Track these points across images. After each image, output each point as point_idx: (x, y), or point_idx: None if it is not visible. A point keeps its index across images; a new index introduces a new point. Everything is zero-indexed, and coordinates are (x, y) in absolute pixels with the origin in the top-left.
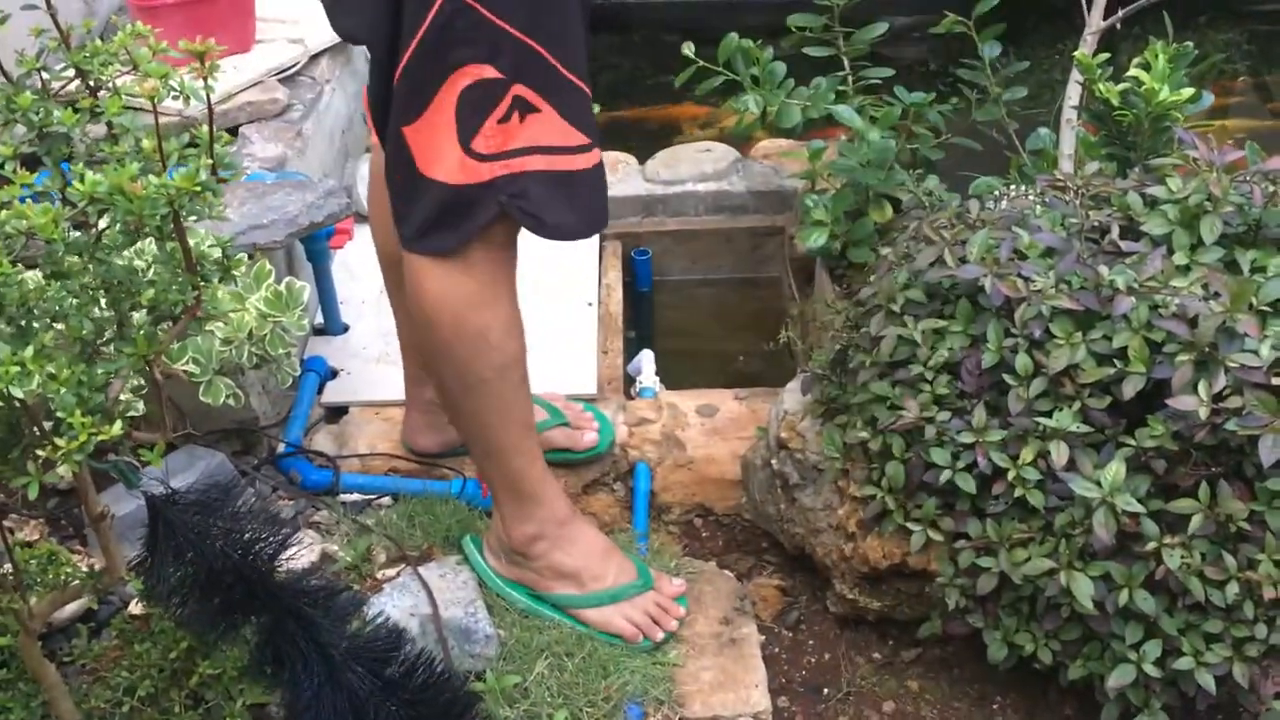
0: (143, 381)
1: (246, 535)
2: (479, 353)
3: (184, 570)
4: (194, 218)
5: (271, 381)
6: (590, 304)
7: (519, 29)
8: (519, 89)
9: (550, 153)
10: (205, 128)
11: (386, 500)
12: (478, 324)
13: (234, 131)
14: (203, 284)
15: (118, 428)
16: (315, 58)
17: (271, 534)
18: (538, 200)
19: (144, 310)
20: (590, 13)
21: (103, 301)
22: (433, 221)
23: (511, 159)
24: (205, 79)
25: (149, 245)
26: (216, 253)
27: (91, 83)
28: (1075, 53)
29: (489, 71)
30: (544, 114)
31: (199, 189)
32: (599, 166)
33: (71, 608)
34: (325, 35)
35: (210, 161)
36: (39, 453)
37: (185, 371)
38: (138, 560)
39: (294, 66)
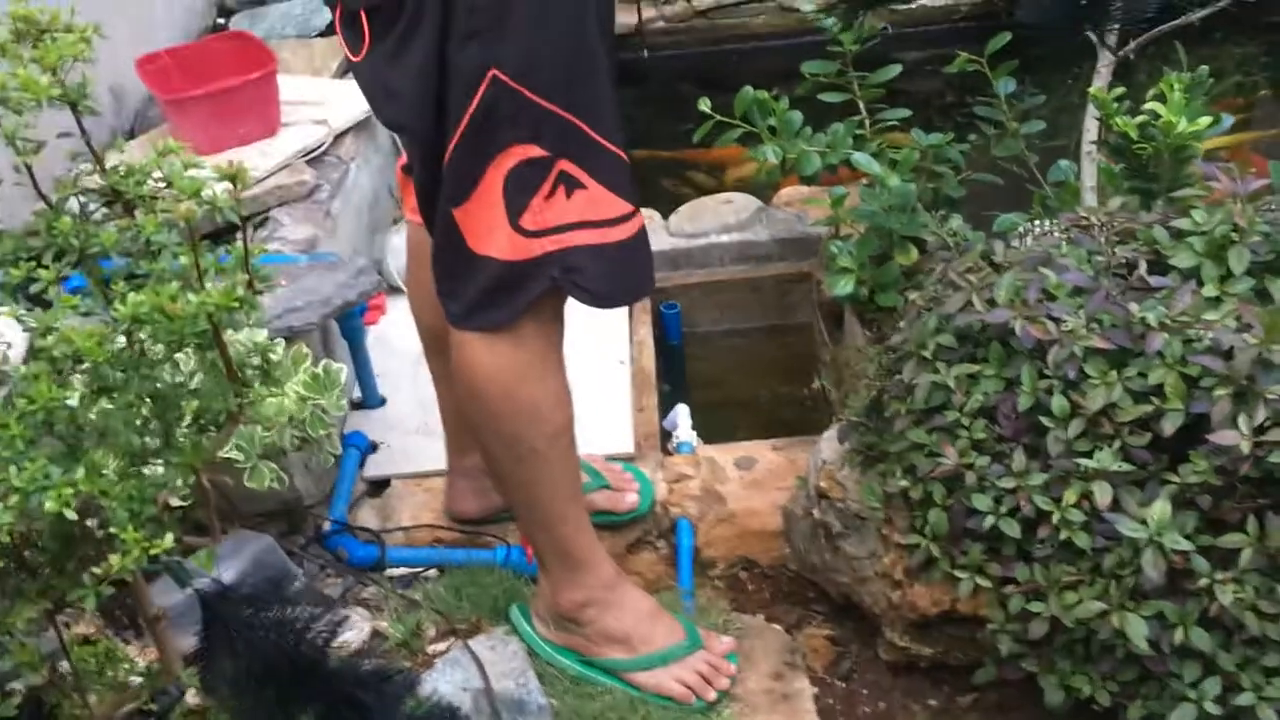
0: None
1: (298, 625)
2: (531, 424)
3: (238, 663)
4: (231, 330)
5: (314, 461)
6: (622, 362)
7: (560, 106)
8: (563, 164)
9: (596, 226)
10: (239, 240)
11: (433, 572)
12: (529, 396)
13: (264, 214)
14: (245, 390)
15: (169, 541)
16: (340, 137)
17: (322, 621)
18: (589, 274)
19: (189, 421)
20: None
21: (146, 412)
22: (484, 299)
23: (560, 234)
24: (238, 200)
25: (190, 354)
26: (256, 359)
27: (127, 201)
28: (1090, 89)
29: (534, 150)
30: (589, 189)
31: (237, 304)
32: (642, 231)
33: (131, 703)
34: (348, 114)
35: (247, 277)
36: (95, 570)
37: (229, 459)
38: (192, 655)
39: (320, 147)
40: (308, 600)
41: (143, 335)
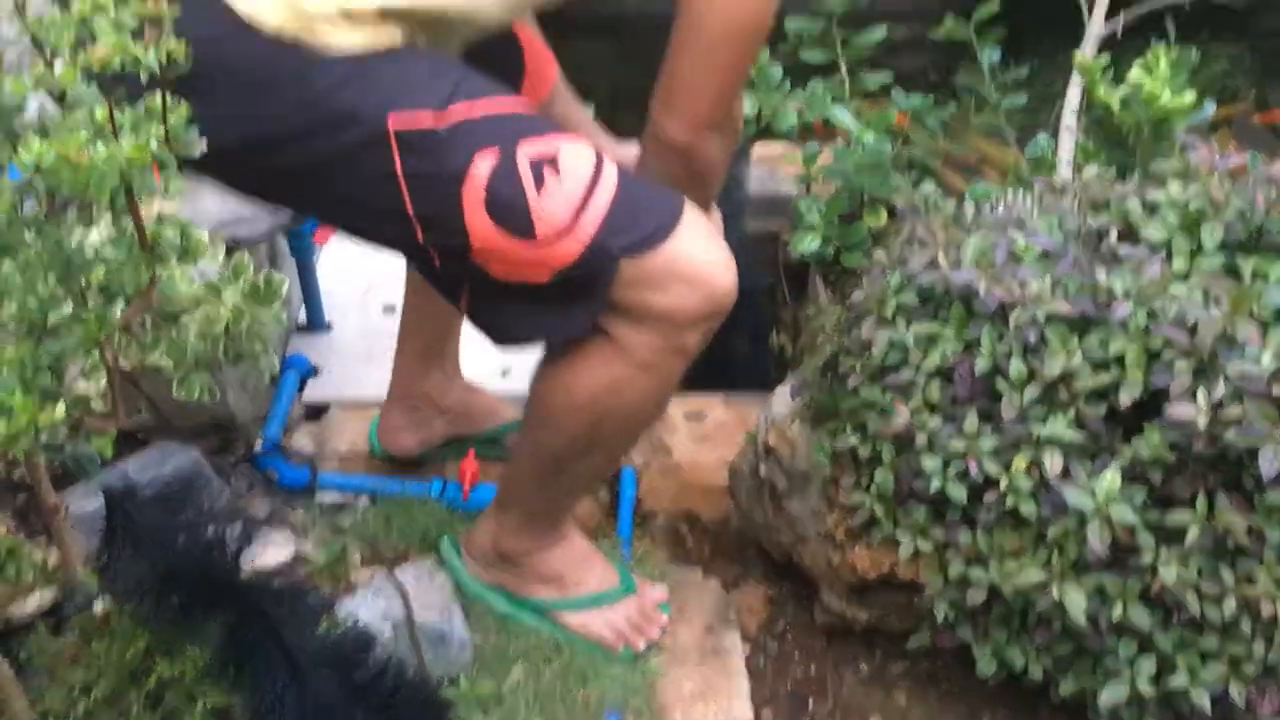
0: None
1: (209, 532)
2: (624, 435)
3: (143, 566)
4: (148, 193)
5: (250, 378)
6: None
7: (471, 101)
8: (523, 150)
9: (595, 171)
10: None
11: (364, 501)
12: (629, 407)
13: None
14: (159, 265)
15: (60, 410)
16: None
17: (236, 531)
18: (636, 220)
19: (95, 291)
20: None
21: (52, 280)
22: (558, 317)
23: (583, 214)
24: (159, 41)
25: (105, 226)
26: (174, 234)
27: (48, 53)
28: (1075, 55)
29: (490, 157)
30: (560, 149)
31: (149, 160)
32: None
33: (34, 604)
34: None
35: (163, 129)
36: None
37: (159, 365)
38: (95, 555)
39: None
40: (222, 514)
41: (42, 186)
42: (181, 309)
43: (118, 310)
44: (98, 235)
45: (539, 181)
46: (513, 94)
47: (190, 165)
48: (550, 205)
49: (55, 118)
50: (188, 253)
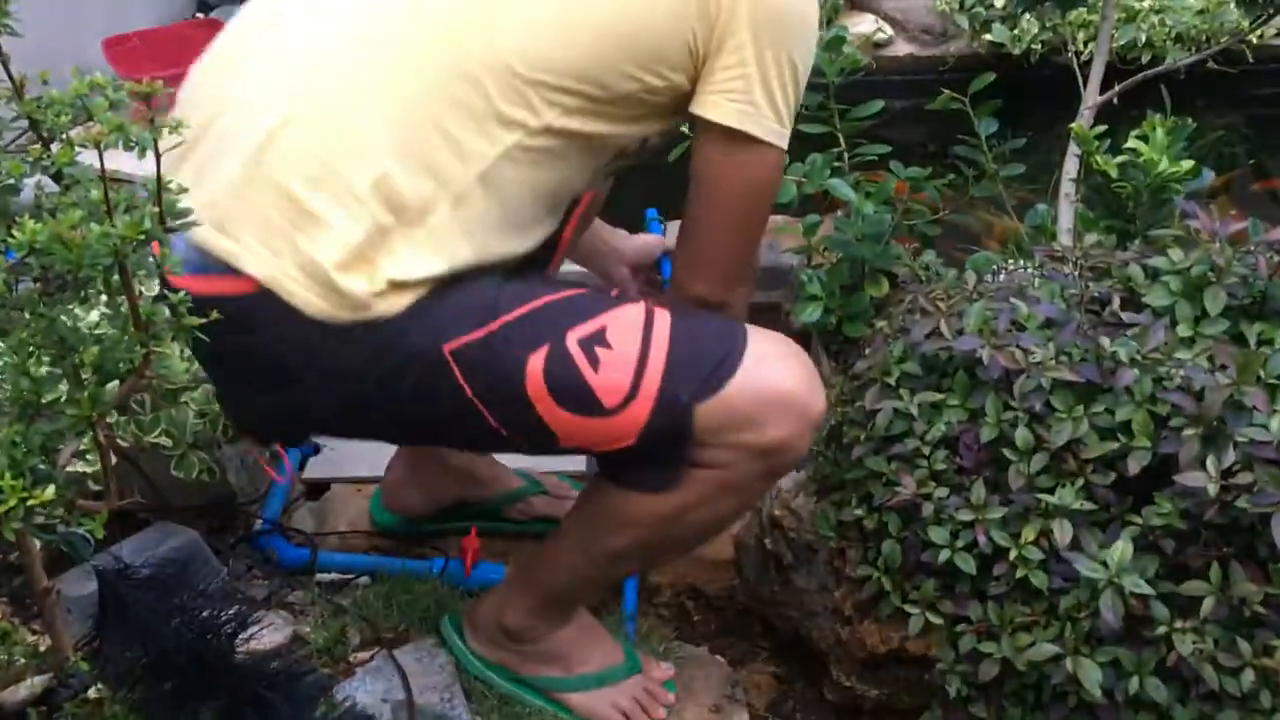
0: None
1: (204, 614)
2: (689, 546)
3: (136, 650)
4: (142, 272)
5: (249, 457)
6: None
7: (512, 313)
8: (572, 334)
9: (647, 337)
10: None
11: (365, 580)
12: (709, 520)
13: None
14: (153, 343)
15: (50, 492)
16: None
17: (232, 613)
18: (693, 369)
19: (90, 370)
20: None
21: (45, 359)
22: (657, 470)
23: (643, 374)
24: (152, 121)
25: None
26: (167, 311)
27: (45, 133)
28: (1072, 125)
29: (543, 352)
30: (609, 323)
31: (143, 238)
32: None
33: (25, 691)
34: None
35: (157, 209)
36: None
37: (157, 444)
38: (86, 640)
39: None
40: (218, 596)
41: (35, 266)
42: (181, 387)
43: (113, 389)
44: (96, 314)
45: (593, 360)
46: (552, 288)
47: (310, 432)
48: (609, 376)
49: (53, 196)
50: (181, 330)
